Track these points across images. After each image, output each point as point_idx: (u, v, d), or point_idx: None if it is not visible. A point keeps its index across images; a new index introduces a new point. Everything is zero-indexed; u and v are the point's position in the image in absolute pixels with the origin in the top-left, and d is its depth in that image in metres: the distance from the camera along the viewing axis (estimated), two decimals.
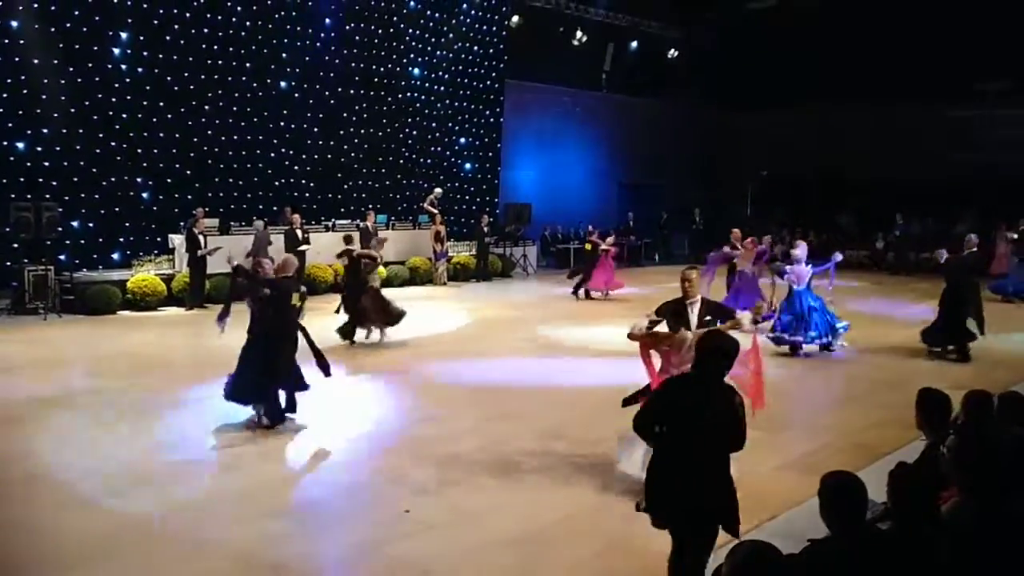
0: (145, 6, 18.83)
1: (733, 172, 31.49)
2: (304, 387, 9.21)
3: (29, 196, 16.78)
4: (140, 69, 18.84)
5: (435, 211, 22.36)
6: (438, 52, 24.85)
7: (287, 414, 9.12)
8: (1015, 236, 19.55)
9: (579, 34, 27.62)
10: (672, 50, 30.45)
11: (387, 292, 20.35)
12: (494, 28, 26.28)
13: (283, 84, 21.33)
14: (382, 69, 23.57)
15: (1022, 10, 24.57)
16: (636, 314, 8.22)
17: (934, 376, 10.63)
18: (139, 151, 18.92)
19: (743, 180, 31.07)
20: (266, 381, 8.98)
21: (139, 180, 18.98)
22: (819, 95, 29.08)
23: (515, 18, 26.53)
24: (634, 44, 30.17)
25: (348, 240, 14.58)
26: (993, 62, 26.37)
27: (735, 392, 5.07)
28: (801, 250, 13.56)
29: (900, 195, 27.03)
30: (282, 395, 9.16)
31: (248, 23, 20.52)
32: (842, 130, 29.58)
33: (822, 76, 28.55)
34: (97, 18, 18.14)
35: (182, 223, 18.43)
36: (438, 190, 23.23)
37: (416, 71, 24.41)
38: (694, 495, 4.88)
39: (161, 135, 19.23)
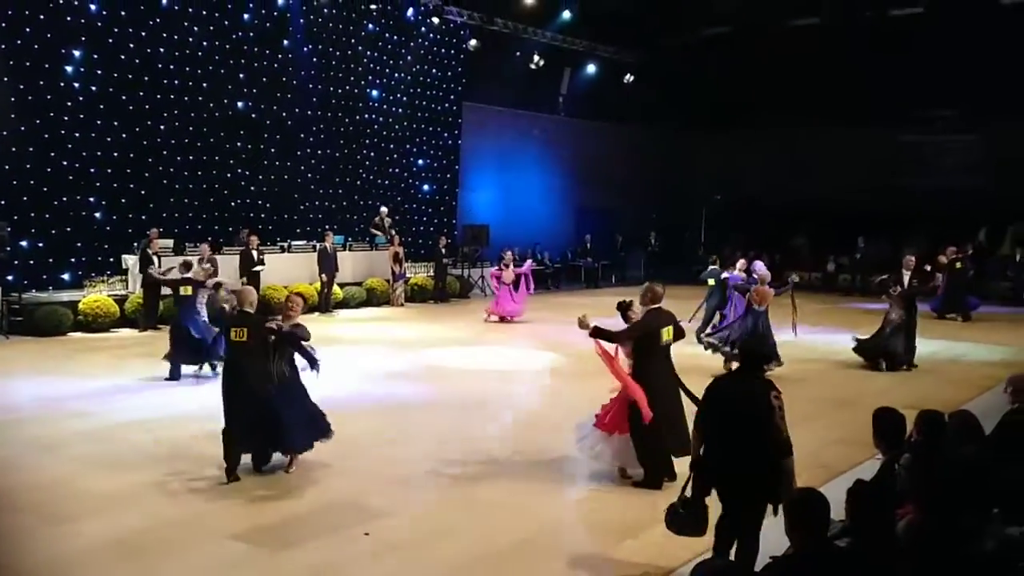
0: (99, 24, 18.58)
1: (689, 195, 31.84)
2: (281, 447, 8.39)
3: None
4: (94, 87, 18.55)
5: (377, 232, 22.29)
6: (396, 74, 24.88)
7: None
8: (945, 260, 20.39)
9: (536, 58, 27.83)
10: (628, 74, 30.78)
11: (347, 313, 20.31)
12: (452, 51, 26.40)
13: (240, 104, 21.17)
14: (340, 90, 23.52)
15: (969, 43, 25.35)
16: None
17: (888, 395, 10.81)
18: (92, 170, 18.60)
19: (699, 203, 31.44)
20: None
21: (91, 199, 18.66)
22: (774, 120, 29.56)
23: (473, 41, 26.65)
24: (591, 68, 30.45)
25: (187, 267, 13.37)
26: (942, 91, 27.13)
27: (772, 388, 5.50)
28: (764, 269, 13.63)
29: (853, 219, 27.57)
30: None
31: (204, 43, 20.36)
32: (797, 154, 30.02)
33: (777, 101, 29.07)
34: (49, 35, 17.81)
35: (136, 243, 18.17)
36: (383, 209, 23.22)
37: (374, 92, 24.40)
38: (735, 475, 5.45)
39: (115, 154, 18.93)
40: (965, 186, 27.22)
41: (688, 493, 5.78)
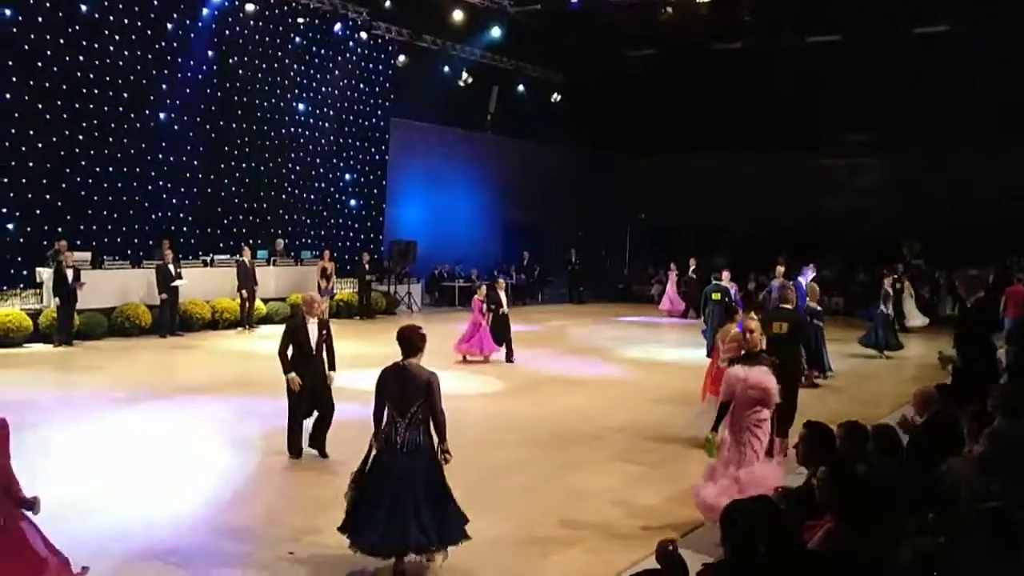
0: (15, 30, 18.03)
1: (613, 215, 32.18)
2: None
3: None
4: (8, 95, 18.00)
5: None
6: (324, 88, 24.68)
7: None
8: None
9: (465, 75, 27.92)
10: (555, 94, 31.07)
11: (270, 329, 19.96)
12: (380, 66, 26.32)
13: (162, 115, 20.72)
14: (265, 103, 23.18)
15: (886, 69, 26.33)
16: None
17: (813, 409, 11.04)
18: (4, 180, 18.02)
19: (622, 223, 31.82)
20: None
21: (4, 210, 18.07)
22: (697, 143, 30.17)
23: (401, 57, 26.66)
24: (520, 87, 30.66)
25: None
26: (856, 116, 28.15)
27: None
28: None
29: (774, 239, 28.25)
30: None
31: (126, 52, 19.89)
32: (719, 176, 30.61)
33: (700, 124, 29.70)
34: None
35: (51, 256, 17.63)
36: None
37: (301, 106, 24.14)
38: None
39: (30, 164, 18.34)
40: (875, 208, 28.27)
41: None
